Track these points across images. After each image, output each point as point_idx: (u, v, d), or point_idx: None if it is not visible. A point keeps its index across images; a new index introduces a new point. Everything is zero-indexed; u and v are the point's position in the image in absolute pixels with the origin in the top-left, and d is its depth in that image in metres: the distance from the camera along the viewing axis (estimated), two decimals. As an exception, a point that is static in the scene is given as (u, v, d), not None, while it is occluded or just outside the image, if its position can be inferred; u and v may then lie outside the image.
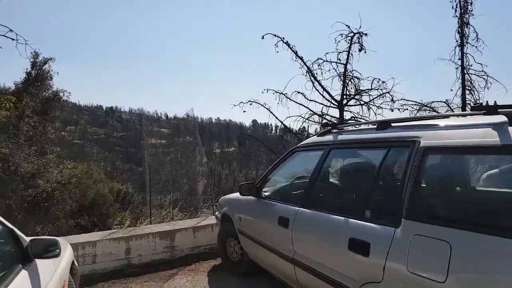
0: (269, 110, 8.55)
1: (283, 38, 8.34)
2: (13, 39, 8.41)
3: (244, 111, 8.37)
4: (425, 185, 1.90)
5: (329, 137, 3.00)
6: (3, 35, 8.45)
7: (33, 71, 12.10)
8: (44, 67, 12.28)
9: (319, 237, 2.51)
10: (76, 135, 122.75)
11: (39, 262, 2.14)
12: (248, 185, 3.78)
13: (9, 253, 2.00)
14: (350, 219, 2.20)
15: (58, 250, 2.16)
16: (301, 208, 2.77)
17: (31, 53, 12.01)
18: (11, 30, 8.71)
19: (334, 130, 3.07)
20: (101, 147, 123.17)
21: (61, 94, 12.72)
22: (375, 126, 2.51)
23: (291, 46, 8.41)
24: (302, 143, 3.52)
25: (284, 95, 8.34)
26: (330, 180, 3.02)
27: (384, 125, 2.43)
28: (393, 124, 2.39)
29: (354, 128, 3.08)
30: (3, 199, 8.87)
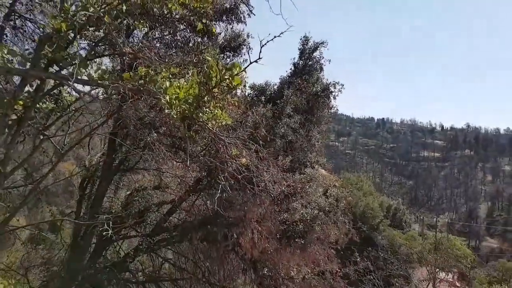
0: None
1: None
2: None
3: None
4: None
5: None
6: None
7: (300, 61, 9.63)
8: (314, 54, 9.55)
9: None
10: (348, 145, 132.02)
11: None
12: None
13: None
14: None
15: None
16: None
17: (301, 39, 9.59)
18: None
19: None
20: (371, 158, 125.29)
21: (332, 88, 9.57)
22: None
23: None
24: None
25: None
26: None
27: None
28: None
29: None
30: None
